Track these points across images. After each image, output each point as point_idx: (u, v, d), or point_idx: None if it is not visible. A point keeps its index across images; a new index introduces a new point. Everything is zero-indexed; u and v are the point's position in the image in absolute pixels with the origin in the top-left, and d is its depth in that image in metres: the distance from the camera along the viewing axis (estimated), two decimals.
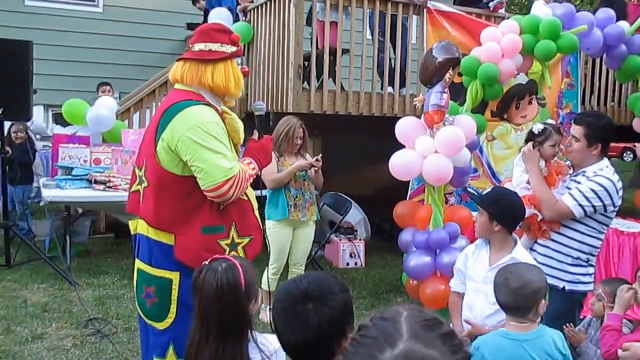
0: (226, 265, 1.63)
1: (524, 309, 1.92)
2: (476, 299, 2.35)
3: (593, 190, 2.54)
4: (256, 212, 2.21)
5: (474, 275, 2.38)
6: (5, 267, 4.67)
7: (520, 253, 2.30)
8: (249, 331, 1.63)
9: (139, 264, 2.15)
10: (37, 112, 6.71)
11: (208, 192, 1.99)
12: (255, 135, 2.32)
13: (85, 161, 4.91)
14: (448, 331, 0.84)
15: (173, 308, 2.05)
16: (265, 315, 3.73)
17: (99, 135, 5.35)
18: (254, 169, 2.15)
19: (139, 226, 2.16)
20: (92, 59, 8.04)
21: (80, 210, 5.43)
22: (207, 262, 1.69)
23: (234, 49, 2.14)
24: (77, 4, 8.20)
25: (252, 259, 2.14)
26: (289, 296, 1.36)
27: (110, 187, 4.59)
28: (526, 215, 2.65)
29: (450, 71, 3.44)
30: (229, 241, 2.07)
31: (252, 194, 2.21)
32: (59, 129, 6.13)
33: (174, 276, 2.05)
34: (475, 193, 3.92)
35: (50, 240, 5.06)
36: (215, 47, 2.10)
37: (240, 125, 2.25)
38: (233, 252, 2.04)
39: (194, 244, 2.00)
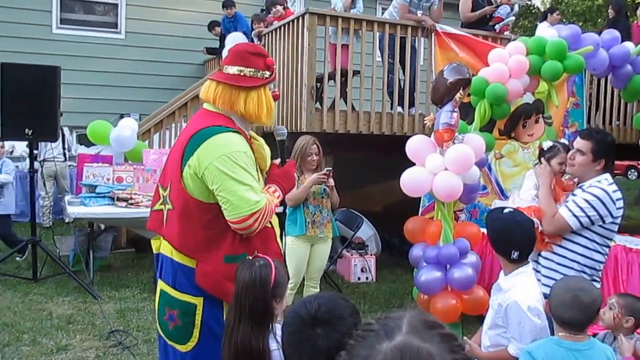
0: (263, 262, 1.80)
1: (588, 324, 1.93)
2: (486, 317, 2.39)
3: (586, 201, 2.57)
4: (278, 239, 2.17)
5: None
6: (32, 280, 4.80)
7: (507, 282, 2.21)
8: (271, 324, 1.75)
9: (162, 285, 2.09)
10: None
11: (233, 224, 1.93)
12: (278, 161, 2.26)
13: (108, 179, 5.06)
14: (448, 333, 0.85)
15: (196, 332, 2.00)
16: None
17: (121, 155, 5.51)
18: (278, 197, 2.10)
19: (162, 246, 2.11)
20: (115, 83, 8.32)
21: (102, 227, 5.56)
22: (250, 257, 1.87)
23: (268, 74, 2.06)
24: (101, 31, 8.52)
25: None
26: (297, 319, 1.34)
27: (132, 204, 4.73)
28: None
29: (460, 91, 3.54)
30: None
31: (275, 220, 2.17)
32: (83, 149, 6.36)
33: (198, 301, 1.99)
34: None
35: (75, 255, 5.18)
36: (249, 72, 2.02)
37: (267, 152, 2.18)
38: None
39: (215, 273, 1.94)
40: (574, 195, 2.68)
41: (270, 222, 2.11)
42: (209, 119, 2.03)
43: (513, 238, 2.22)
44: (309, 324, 1.32)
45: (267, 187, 2.12)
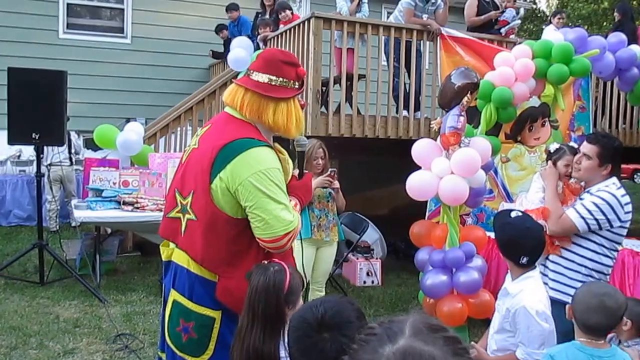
0: (278, 268, 1.78)
1: (610, 329, 1.93)
2: (492, 321, 2.38)
3: (595, 204, 2.56)
4: (294, 253, 2.14)
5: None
6: (39, 284, 4.82)
7: (515, 286, 2.20)
8: (282, 330, 1.71)
9: (176, 295, 2.00)
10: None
11: (264, 242, 1.88)
12: (296, 172, 2.20)
13: (114, 183, 5.08)
14: (452, 336, 0.83)
15: (212, 345, 1.95)
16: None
17: (127, 159, 5.53)
18: (298, 211, 2.04)
19: (175, 255, 2.03)
20: (121, 87, 8.37)
21: (109, 230, 5.60)
22: (265, 262, 1.84)
23: (298, 85, 1.99)
24: (107, 36, 8.58)
25: None
26: (304, 324, 1.33)
27: (137, 208, 4.74)
28: None
29: (468, 95, 3.55)
30: None
31: None
32: (90, 153, 6.39)
33: (217, 315, 1.94)
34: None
35: (81, 259, 5.21)
36: (280, 81, 1.94)
37: (291, 166, 2.11)
38: None
39: (238, 290, 1.85)
40: (581, 199, 2.68)
41: None
42: (238, 128, 1.94)
43: (523, 243, 2.20)
44: (315, 328, 1.31)
45: (289, 200, 2.04)
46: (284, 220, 1.87)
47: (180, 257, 2.01)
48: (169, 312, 2.04)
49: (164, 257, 2.11)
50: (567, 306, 2.03)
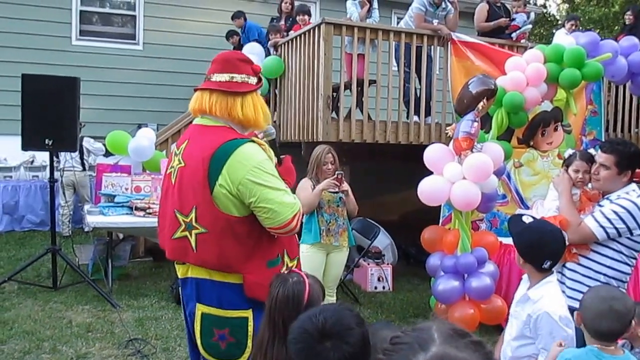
0: (297, 279, 1.77)
1: (621, 334, 1.92)
2: (508, 327, 2.36)
3: (615, 212, 2.51)
4: (303, 259, 2.27)
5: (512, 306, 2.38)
6: (52, 289, 4.85)
7: (536, 292, 2.17)
8: None
9: (203, 308, 2.04)
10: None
11: (276, 230, 1.97)
12: (275, 160, 2.25)
13: (126, 189, 5.13)
14: (478, 340, 0.85)
15: (250, 342, 2.02)
16: None
17: (139, 165, 5.56)
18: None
19: (192, 271, 2.06)
20: (133, 93, 8.42)
21: (121, 236, 5.62)
22: (285, 271, 1.87)
23: (255, 80, 2.09)
24: (120, 43, 8.65)
25: None
26: (305, 335, 1.32)
27: (149, 213, 4.76)
28: None
29: (484, 101, 3.54)
30: (284, 268, 2.06)
31: None
32: (101, 159, 6.44)
33: (249, 314, 2.02)
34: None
35: (94, 264, 5.25)
36: (240, 78, 2.04)
37: (272, 154, 2.20)
38: None
39: (265, 280, 1.87)
40: (600, 206, 2.63)
41: None
42: (217, 134, 2.01)
43: (547, 247, 2.18)
44: (317, 338, 1.30)
45: None
46: (289, 204, 1.98)
47: (198, 271, 2.05)
48: (199, 326, 2.06)
49: (180, 275, 2.13)
50: (575, 312, 2.01)
